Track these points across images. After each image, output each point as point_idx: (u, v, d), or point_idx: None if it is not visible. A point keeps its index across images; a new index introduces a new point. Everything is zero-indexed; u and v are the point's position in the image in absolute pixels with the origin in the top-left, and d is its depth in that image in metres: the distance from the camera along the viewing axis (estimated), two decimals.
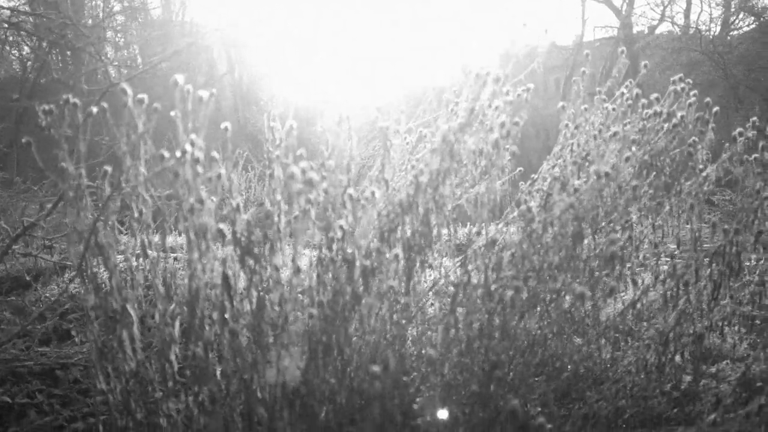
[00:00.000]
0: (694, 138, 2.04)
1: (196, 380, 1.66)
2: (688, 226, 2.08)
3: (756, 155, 1.97)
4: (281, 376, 1.61)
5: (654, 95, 1.98)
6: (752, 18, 19.07)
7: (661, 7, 20.08)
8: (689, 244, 1.97)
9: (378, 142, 2.07)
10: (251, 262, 1.69)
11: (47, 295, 3.79)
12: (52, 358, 2.61)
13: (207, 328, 1.60)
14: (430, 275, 2.03)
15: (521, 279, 1.66)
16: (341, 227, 1.51)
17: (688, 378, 2.15)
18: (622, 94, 1.98)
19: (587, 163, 1.96)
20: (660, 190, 1.99)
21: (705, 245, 2.01)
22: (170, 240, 4.90)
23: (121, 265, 1.70)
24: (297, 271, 1.36)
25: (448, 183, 1.72)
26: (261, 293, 1.67)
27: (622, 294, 2.22)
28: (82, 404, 2.36)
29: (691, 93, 2.01)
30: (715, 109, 2.01)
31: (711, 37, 18.96)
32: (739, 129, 1.98)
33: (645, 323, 2.04)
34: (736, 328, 2.51)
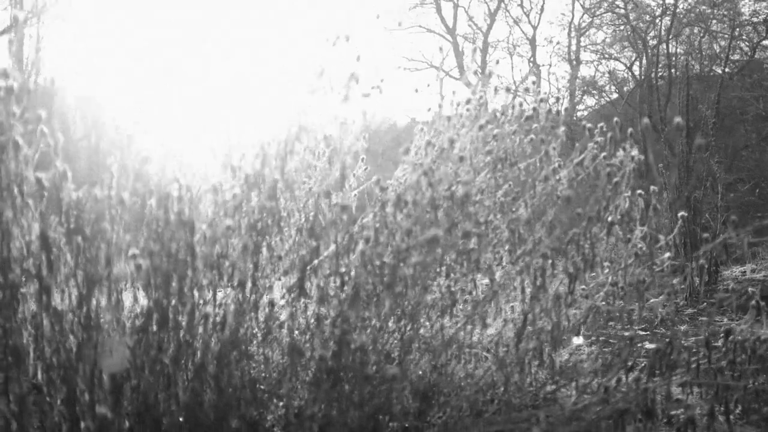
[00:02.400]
0: (543, 139, 2.07)
1: (7, 367, 1.44)
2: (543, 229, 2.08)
3: (605, 153, 2.02)
4: (108, 358, 1.43)
5: (506, 84, 2.00)
6: (595, 97, 21.12)
7: (513, 86, 21.69)
8: (545, 238, 1.96)
9: None
10: (79, 240, 1.52)
11: None
12: None
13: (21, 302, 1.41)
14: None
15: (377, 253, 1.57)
16: (177, 180, 1.38)
17: (549, 387, 2.11)
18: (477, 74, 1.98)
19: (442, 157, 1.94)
20: (516, 185, 1.98)
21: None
22: None
23: None
24: (121, 200, 1.22)
25: (296, 156, 1.63)
26: (89, 270, 1.50)
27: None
28: None
29: (543, 92, 2.05)
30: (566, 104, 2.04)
31: (560, 111, 20.67)
32: (589, 124, 2.02)
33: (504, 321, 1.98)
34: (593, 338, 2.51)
